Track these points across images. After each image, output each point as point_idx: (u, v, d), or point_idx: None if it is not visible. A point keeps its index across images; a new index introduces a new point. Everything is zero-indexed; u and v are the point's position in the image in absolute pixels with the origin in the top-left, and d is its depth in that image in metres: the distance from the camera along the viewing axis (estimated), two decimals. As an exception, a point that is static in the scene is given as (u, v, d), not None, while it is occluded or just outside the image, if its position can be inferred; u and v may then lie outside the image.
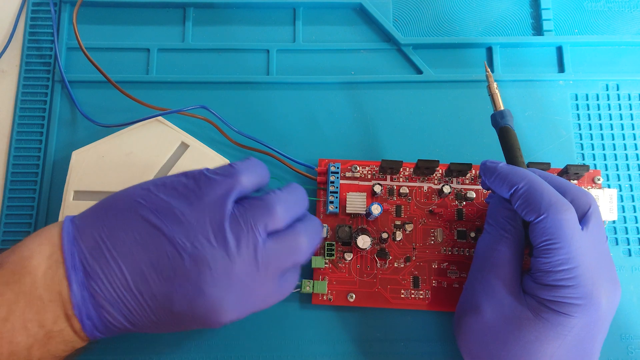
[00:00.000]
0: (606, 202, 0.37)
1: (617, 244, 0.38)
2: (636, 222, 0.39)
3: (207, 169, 0.30)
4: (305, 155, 0.39)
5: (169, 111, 0.38)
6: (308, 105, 0.41)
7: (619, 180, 0.40)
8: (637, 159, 0.40)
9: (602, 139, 0.40)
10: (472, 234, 0.37)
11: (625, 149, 0.40)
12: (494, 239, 0.32)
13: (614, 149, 0.40)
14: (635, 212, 0.39)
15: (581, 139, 0.41)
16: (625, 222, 0.39)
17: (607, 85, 0.42)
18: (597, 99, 0.41)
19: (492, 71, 0.42)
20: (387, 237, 0.36)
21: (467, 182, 0.38)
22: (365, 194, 0.37)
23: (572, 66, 0.42)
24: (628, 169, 0.40)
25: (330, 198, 0.37)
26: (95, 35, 0.42)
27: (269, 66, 0.42)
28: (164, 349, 0.36)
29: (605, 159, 0.40)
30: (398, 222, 0.37)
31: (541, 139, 0.40)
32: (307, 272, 0.37)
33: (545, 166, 0.36)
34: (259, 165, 0.31)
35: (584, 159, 0.40)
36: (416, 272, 0.36)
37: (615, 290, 0.30)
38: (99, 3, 0.43)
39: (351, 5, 0.43)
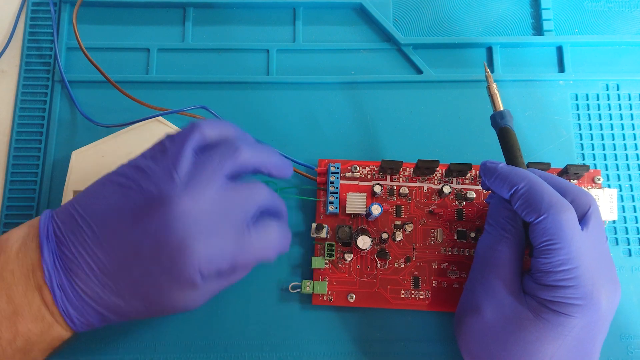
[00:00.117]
0: (606, 202, 0.37)
1: (617, 244, 0.38)
2: (636, 222, 0.39)
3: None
4: (305, 155, 0.39)
5: (168, 111, 0.38)
6: (308, 105, 0.41)
7: (619, 180, 0.40)
8: (637, 159, 0.40)
9: (602, 139, 0.40)
10: (472, 234, 0.37)
11: (625, 149, 0.40)
12: (494, 239, 0.32)
13: (614, 149, 0.40)
14: (635, 212, 0.39)
15: (581, 139, 0.41)
16: (625, 222, 0.39)
17: (607, 85, 0.42)
18: (597, 99, 0.41)
19: (492, 71, 0.42)
20: (387, 238, 0.36)
21: (467, 182, 0.38)
22: (365, 194, 0.37)
23: (572, 66, 0.42)
24: (628, 169, 0.40)
25: (330, 198, 0.37)
26: (95, 35, 0.42)
27: (269, 66, 0.42)
28: (164, 349, 0.36)
29: (605, 159, 0.40)
30: (398, 223, 0.37)
31: (541, 139, 0.40)
32: (308, 272, 0.37)
33: (545, 166, 0.36)
34: (222, 121, 0.32)
35: (584, 159, 0.40)
36: (416, 273, 0.36)
37: (616, 290, 0.30)
38: (99, 3, 0.43)
39: (351, 5, 0.43)
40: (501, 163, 0.32)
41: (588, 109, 0.41)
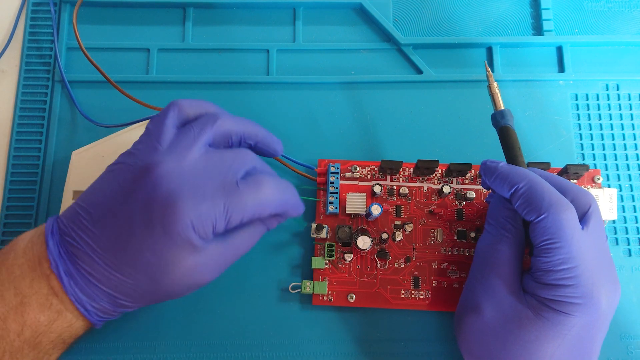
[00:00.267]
0: (606, 201, 0.37)
1: (617, 243, 0.38)
2: (636, 222, 0.39)
3: None
4: (304, 155, 0.39)
5: (169, 111, 0.38)
6: (308, 105, 0.41)
7: (619, 180, 0.40)
8: (637, 159, 0.40)
9: (602, 139, 0.40)
10: (472, 234, 0.37)
11: (625, 149, 0.40)
12: (494, 238, 0.32)
13: (614, 149, 0.40)
14: (635, 211, 0.39)
15: (581, 139, 0.41)
16: (625, 222, 0.39)
17: (607, 85, 0.42)
18: (597, 99, 0.41)
19: (492, 71, 0.42)
20: (387, 238, 0.36)
21: (467, 182, 0.38)
22: (365, 194, 0.37)
23: (572, 66, 0.42)
24: (628, 169, 0.40)
25: (330, 198, 0.37)
26: (95, 35, 0.42)
27: (269, 66, 0.42)
28: (164, 349, 0.36)
29: (605, 159, 0.40)
30: (398, 223, 0.37)
31: (541, 139, 0.40)
32: (308, 272, 0.37)
33: (545, 166, 0.36)
34: (200, 100, 0.32)
35: (584, 159, 0.40)
36: (416, 273, 0.36)
37: (615, 289, 0.30)
38: (99, 3, 0.43)
39: (351, 5, 0.43)
40: (501, 162, 0.32)
41: (588, 109, 0.41)
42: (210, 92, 0.41)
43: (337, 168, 0.37)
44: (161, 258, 0.27)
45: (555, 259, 0.29)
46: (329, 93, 0.41)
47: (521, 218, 0.31)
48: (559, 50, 0.43)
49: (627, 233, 0.39)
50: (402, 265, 0.36)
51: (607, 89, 0.42)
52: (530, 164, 0.36)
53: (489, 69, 0.36)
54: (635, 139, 0.40)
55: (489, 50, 0.43)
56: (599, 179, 0.38)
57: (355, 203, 0.37)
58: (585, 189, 0.37)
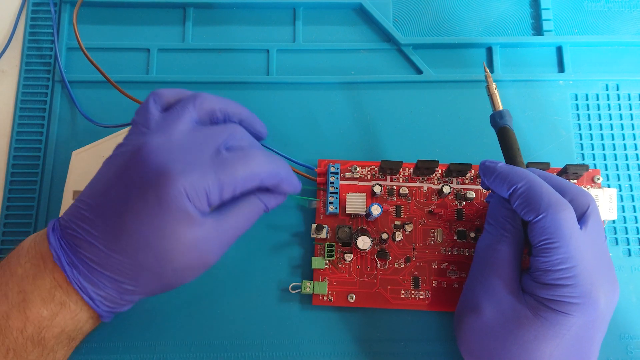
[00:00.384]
0: (606, 201, 0.37)
1: (617, 244, 0.38)
2: (636, 222, 0.39)
3: None
4: (304, 155, 0.39)
5: (169, 111, 0.38)
6: (308, 105, 0.41)
7: (618, 180, 0.40)
8: (637, 159, 0.40)
9: (602, 139, 0.41)
10: (472, 234, 0.37)
11: (625, 149, 0.40)
12: (494, 238, 0.32)
13: (614, 149, 0.40)
14: (635, 212, 0.39)
15: (581, 139, 0.41)
16: (625, 222, 0.39)
17: (607, 85, 0.42)
18: (597, 99, 0.41)
19: (492, 71, 0.42)
20: (387, 238, 0.36)
21: (467, 182, 0.38)
22: (365, 194, 0.37)
23: (572, 66, 0.42)
24: (628, 169, 0.40)
25: (330, 199, 0.37)
26: (95, 35, 0.42)
27: (269, 66, 0.42)
28: (164, 349, 0.36)
29: (605, 159, 0.40)
30: (398, 223, 0.37)
31: (541, 139, 0.40)
32: (308, 273, 0.37)
33: (544, 166, 0.36)
34: (182, 89, 0.33)
35: (583, 159, 0.40)
36: (416, 273, 0.36)
37: (614, 289, 0.30)
38: (99, 3, 0.43)
39: (351, 5, 0.43)
40: (500, 162, 0.32)
41: (588, 109, 0.41)
42: (210, 92, 0.41)
43: (337, 168, 0.37)
44: (159, 231, 0.27)
45: (554, 258, 0.29)
46: (329, 93, 0.41)
47: (520, 218, 0.31)
48: (559, 50, 0.43)
49: (626, 233, 0.39)
50: (402, 266, 0.36)
51: (607, 89, 0.42)
52: (530, 164, 0.36)
53: (488, 70, 0.36)
54: (635, 139, 0.40)
55: (489, 50, 0.43)
56: (598, 179, 0.38)
57: (355, 203, 0.37)
58: (585, 189, 0.37)
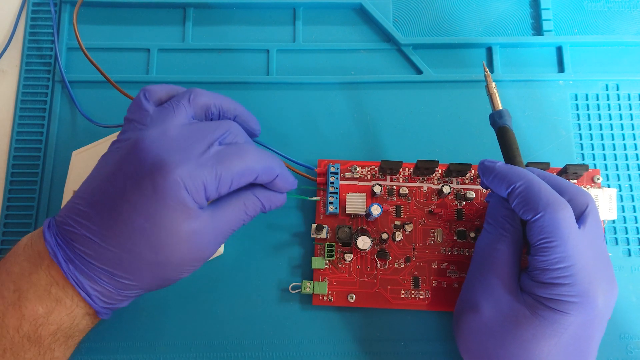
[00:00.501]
0: (605, 201, 0.37)
1: (616, 243, 0.38)
2: (636, 222, 0.39)
3: None
4: (304, 155, 0.39)
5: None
6: (308, 105, 0.41)
7: (618, 180, 0.40)
8: (637, 159, 0.40)
9: (602, 139, 0.41)
10: (472, 234, 0.37)
11: (625, 149, 0.40)
12: (493, 237, 0.32)
13: (614, 149, 0.40)
14: (635, 212, 0.39)
15: (581, 139, 0.41)
16: (625, 222, 0.39)
17: (607, 85, 0.42)
18: (597, 99, 0.41)
19: (492, 71, 0.42)
20: (387, 238, 0.36)
21: (467, 182, 0.38)
22: (365, 194, 0.37)
23: (572, 66, 0.42)
24: (628, 169, 0.40)
25: (330, 199, 0.37)
26: (95, 36, 0.42)
27: (269, 66, 0.42)
28: (164, 349, 0.36)
29: (605, 159, 0.40)
30: (398, 223, 0.37)
31: (541, 139, 0.40)
32: (308, 273, 0.37)
33: (544, 166, 0.36)
34: (172, 85, 0.33)
35: (583, 159, 0.40)
36: (416, 273, 0.36)
37: (612, 289, 0.30)
38: (99, 3, 0.43)
39: (351, 5, 0.43)
40: (499, 162, 0.32)
41: (588, 109, 0.41)
42: (210, 92, 0.41)
43: (337, 168, 0.37)
44: (155, 222, 0.27)
45: (552, 257, 0.29)
46: (329, 93, 0.41)
47: (519, 217, 0.31)
48: (559, 50, 0.43)
49: (626, 233, 0.39)
50: (402, 265, 0.36)
51: (607, 89, 0.42)
52: (529, 164, 0.36)
53: (487, 70, 0.36)
54: (635, 139, 0.40)
55: (489, 51, 0.43)
56: (598, 178, 0.38)
57: (355, 203, 0.37)
58: (585, 188, 0.37)
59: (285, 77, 0.42)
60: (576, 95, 0.41)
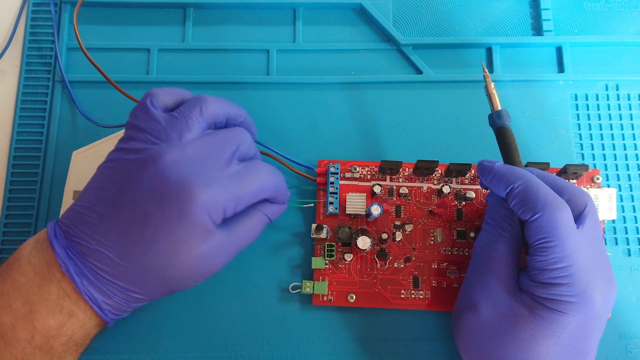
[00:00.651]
0: (605, 201, 0.37)
1: (616, 243, 0.38)
2: (636, 222, 0.39)
3: None
4: (304, 155, 0.39)
5: (169, 111, 0.38)
6: (308, 105, 0.41)
7: (618, 180, 0.40)
8: (637, 159, 0.40)
9: (602, 139, 0.41)
10: (472, 234, 0.37)
11: (625, 149, 0.40)
12: (492, 237, 0.32)
13: (614, 149, 0.40)
14: (634, 212, 0.39)
15: (581, 139, 0.41)
16: (624, 222, 0.39)
17: (606, 85, 0.42)
18: (597, 99, 0.41)
19: (492, 71, 0.42)
20: (387, 238, 0.36)
21: (467, 182, 0.38)
22: (365, 194, 0.37)
23: (571, 66, 0.42)
24: (627, 169, 0.40)
25: (330, 199, 0.37)
26: (95, 36, 0.42)
27: (269, 66, 0.42)
28: (164, 349, 0.36)
29: (604, 159, 0.40)
30: (398, 223, 0.37)
31: (541, 139, 0.40)
32: (308, 273, 0.37)
33: (544, 166, 0.36)
34: (176, 88, 0.33)
35: (583, 159, 0.40)
36: (416, 273, 0.36)
37: (611, 289, 0.30)
38: (99, 3, 0.43)
39: (351, 5, 0.43)
40: (498, 162, 0.32)
41: (587, 109, 0.41)
42: (210, 92, 0.40)
43: (337, 168, 0.37)
44: (175, 245, 0.28)
45: (550, 257, 0.29)
46: (329, 93, 0.41)
47: (518, 217, 0.31)
48: (559, 50, 0.43)
49: (626, 233, 0.39)
50: (402, 265, 0.36)
51: (607, 89, 0.42)
52: (529, 164, 0.36)
53: (486, 70, 0.36)
54: (634, 139, 0.40)
55: (489, 51, 0.43)
56: (598, 178, 0.38)
57: (355, 203, 0.37)
58: (585, 188, 0.37)
59: (285, 78, 0.42)
60: (576, 96, 0.41)
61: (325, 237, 0.37)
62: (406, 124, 0.41)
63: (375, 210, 0.35)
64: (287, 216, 0.38)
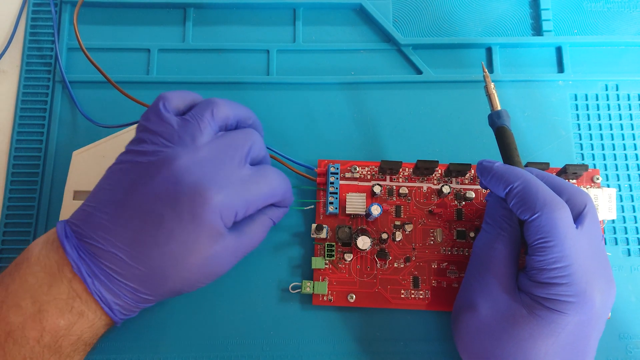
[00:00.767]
0: (605, 201, 0.37)
1: (616, 243, 0.38)
2: (635, 222, 0.39)
3: None
4: (304, 155, 0.39)
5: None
6: (308, 105, 0.41)
7: (618, 180, 0.40)
8: (637, 159, 0.40)
9: (602, 139, 0.41)
10: (472, 234, 0.37)
11: (625, 149, 0.40)
12: (491, 237, 0.32)
13: (614, 149, 0.40)
14: (634, 212, 0.39)
15: (580, 139, 0.41)
16: (624, 222, 0.39)
17: (606, 86, 0.42)
18: (597, 99, 0.41)
19: (492, 71, 0.42)
20: (387, 238, 0.36)
21: (467, 182, 0.38)
22: (365, 194, 0.37)
23: (571, 66, 0.42)
24: (627, 169, 0.40)
25: (330, 199, 0.37)
26: (95, 36, 0.42)
27: (269, 66, 0.42)
28: (164, 349, 0.36)
29: (604, 159, 0.40)
30: (398, 223, 0.37)
31: (540, 139, 0.40)
32: (308, 272, 0.37)
33: (544, 166, 0.36)
34: (187, 91, 0.33)
35: (583, 159, 0.40)
36: (416, 272, 0.36)
37: (610, 289, 0.30)
38: (100, 3, 0.43)
39: (351, 5, 0.43)
40: (497, 162, 0.32)
41: (587, 109, 0.41)
42: (211, 93, 0.41)
43: (337, 168, 0.37)
44: (188, 247, 0.28)
45: (549, 257, 0.29)
46: (329, 93, 0.41)
47: (517, 217, 0.31)
48: (559, 50, 0.43)
49: (626, 233, 0.39)
50: (402, 265, 0.36)
51: (607, 89, 0.42)
52: (529, 164, 0.37)
53: (486, 70, 0.36)
54: (634, 139, 0.40)
55: (489, 51, 0.43)
56: (598, 178, 0.38)
57: (355, 203, 0.37)
58: (584, 188, 0.37)
59: (285, 78, 0.42)
60: (576, 96, 0.41)
61: (325, 237, 0.37)
62: (406, 124, 0.41)
63: (375, 210, 0.35)
64: (287, 216, 0.38)
